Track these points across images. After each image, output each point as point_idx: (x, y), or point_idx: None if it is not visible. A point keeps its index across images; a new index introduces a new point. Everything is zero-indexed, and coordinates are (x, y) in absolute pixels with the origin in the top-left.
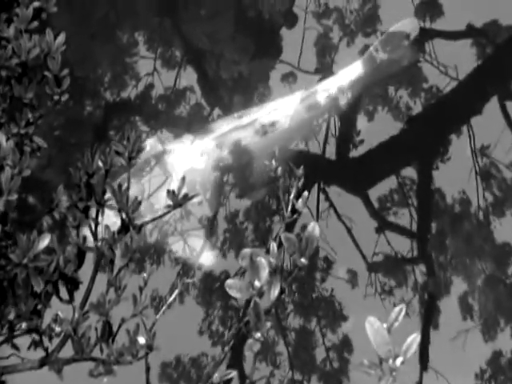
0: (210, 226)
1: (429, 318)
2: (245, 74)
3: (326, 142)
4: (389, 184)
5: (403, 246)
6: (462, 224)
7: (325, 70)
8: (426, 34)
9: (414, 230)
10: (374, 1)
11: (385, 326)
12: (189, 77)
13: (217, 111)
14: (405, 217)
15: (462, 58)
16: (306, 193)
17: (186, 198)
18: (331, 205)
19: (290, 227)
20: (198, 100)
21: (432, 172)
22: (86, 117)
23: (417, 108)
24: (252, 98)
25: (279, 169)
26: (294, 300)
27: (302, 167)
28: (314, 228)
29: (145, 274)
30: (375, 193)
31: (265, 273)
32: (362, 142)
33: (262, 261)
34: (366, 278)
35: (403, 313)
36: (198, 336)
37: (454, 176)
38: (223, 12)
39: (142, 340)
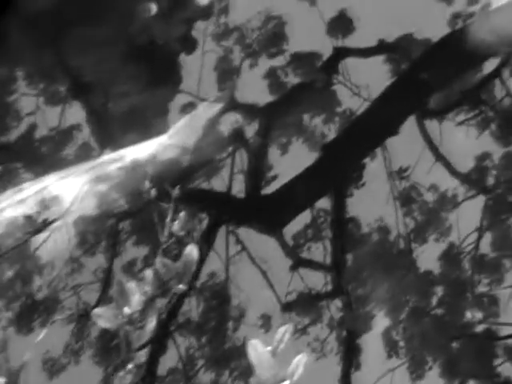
0: (105, 277)
1: (348, 358)
2: (138, 108)
3: (231, 178)
4: (303, 219)
5: (319, 281)
6: (380, 253)
7: (227, 96)
8: (338, 53)
9: (329, 264)
10: (279, 18)
11: (269, 349)
12: (76, 114)
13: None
14: (319, 251)
15: (375, 77)
16: (182, 214)
17: (46, 223)
18: (243, 248)
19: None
20: (85, 139)
21: (346, 200)
22: None
23: (332, 134)
24: (148, 133)
25: (153, 191)
26: (204, 354)
27: (177, 187)
28: (191, 251)
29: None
30: (289, 230)
31: (135, 299)
32: (275, 177)
33: (132, 286)
34: (280, 321)
35: (289, 334)
36: None
37: (371, 202)
38: (110, 40)
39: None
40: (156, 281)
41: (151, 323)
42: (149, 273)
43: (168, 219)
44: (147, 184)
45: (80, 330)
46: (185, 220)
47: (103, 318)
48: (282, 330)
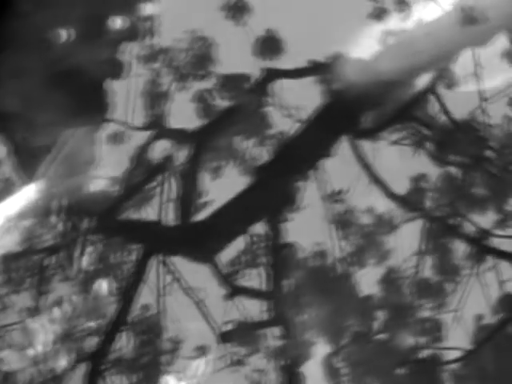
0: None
1: None
2: (63, 139)
3: (162, 207)
4: (237, 245)
5: (257, 309)
6: (319, 279)
7: (156, 123)
8: (268, 75)
9: (266, 291)
10: (206, 39)
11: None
12: None
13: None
14: (256, 278)
15: (307, 98)
16: (90, 248)
17: None
18: (175, 278)
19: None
20: (6, 174)
21: (281, 225)
22: None
23: (264, 158)
24: (74, 165)
25: (61, 224)
26: None
27: (87, 220)
28: (100, 286)
29: None
30: (224, 257)
31: (41, 339)
32: (206, 203)
33: (37, 326)
34: (216, 352)
35: (202, 367)
36: None
37: (306, 227)
38: (30, 68)
39: None
40: (64, 319)
41: (61, 363)
42: (57, 311)
43: (77, 254)
44: (61, 217)
45: (5, 378)
46: (94, 253)
47: (7, 361)
48: (195, 364)
